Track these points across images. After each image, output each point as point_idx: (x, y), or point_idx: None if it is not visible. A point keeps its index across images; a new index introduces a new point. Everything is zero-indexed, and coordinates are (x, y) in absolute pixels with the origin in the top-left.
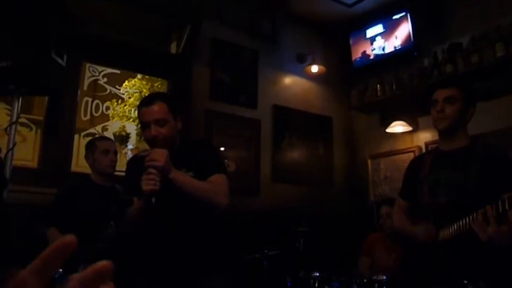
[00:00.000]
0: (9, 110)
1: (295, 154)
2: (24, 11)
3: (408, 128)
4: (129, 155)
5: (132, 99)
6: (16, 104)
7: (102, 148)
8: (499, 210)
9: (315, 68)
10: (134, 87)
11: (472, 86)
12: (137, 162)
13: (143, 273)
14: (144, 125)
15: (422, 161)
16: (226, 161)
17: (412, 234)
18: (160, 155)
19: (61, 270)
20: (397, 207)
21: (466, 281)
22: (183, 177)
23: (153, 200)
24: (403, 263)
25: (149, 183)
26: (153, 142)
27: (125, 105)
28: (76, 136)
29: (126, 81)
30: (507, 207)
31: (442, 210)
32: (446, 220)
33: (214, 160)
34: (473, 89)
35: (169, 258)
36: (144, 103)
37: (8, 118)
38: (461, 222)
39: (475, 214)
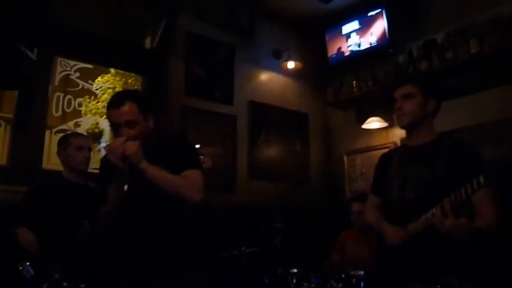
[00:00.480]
0: None
1: (271, 151)
2: None
3: (384, 124)
4: (103, 152)
5: (105, 95)
6: None
7: (76, 144)
8: (456, 202)
9: (291, 64)
10: (108, 83)
11: (432, 82)
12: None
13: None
14: (113, 125)
15: (391, 156)
16: (202, 157)
17: (382, 232)
18: (131, 145)
19: (27, 262)
20: (369, 203)
21: (437, 274)
22: (154, 170)
23: (125, 187)
24: (377, 257)
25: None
26: None
27: (98, 101)
28: (47, 132)
29: (99, 76)
30: (463, 198)
31: (411, 206)
32: (415, 215)
33: (188, 155)
34: (433, 84)
35: (137, 251)
36: (114, 104)
37: None
38: (424, 217)
39: (434, 208)
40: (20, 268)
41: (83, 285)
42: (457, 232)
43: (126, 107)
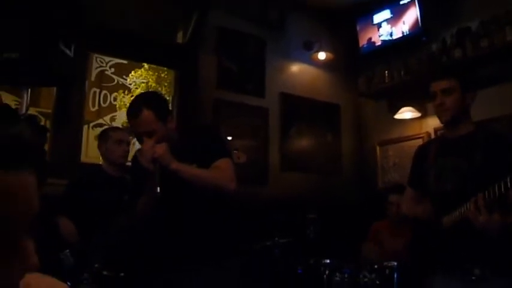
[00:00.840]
0: (18, 102)
1: (303, 142)
2: (32, 1)
3: (417, 114)
4: (137, 145)
5: (139, 89)
6: (25, 96)
7: (115, 138)
8: (490, 198)
9: (322, 55)
10: (141, 78)
11: (467, 73)
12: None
13: (149, 264)
14: (135, 134)
15: (427, 148)
16: (236, 151)
17: (415, 215)
18: (159, 148)
19: (68, 251)
20: (406, 195)
21: (472, 266)
22: (185, 168)
23: (158, 190)
24: (410, 248)
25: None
26: None
27: (132, 95)
28: (85, 127)
29: (133, 71)
30: (497, 194)
31: (448, 197)
32: (452, 207)
33: (216, 145)
34: (468, 76)
35: (174, 247)
36: (131, 114)
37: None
38: (461, 210)
39: (468, 203)
40: (62, 257)
41: (122, 274)
42: (490, 228)
43: (142, 117)
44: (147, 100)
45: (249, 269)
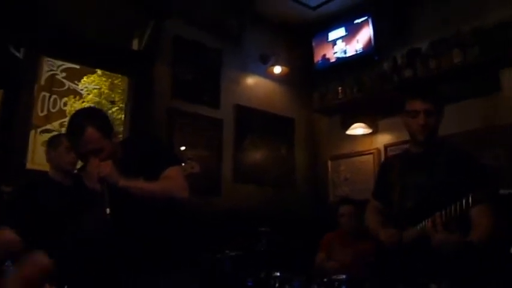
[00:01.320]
0: None
1: (257, 155)
2: None
3: (368, 130)
4: None
5: (90, 95)
6: None
7: (67, 145)
8: (447, 217)
9: (278, 69)
10: (93, 83)
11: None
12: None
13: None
14: (79, 155)
15: (392, 163)
16: (189, 161)
17: (376, 233)
18: (105, 166)
19: (9, 261)
20: (370, 207)
21: (429, 281)
22: (134, 184)
23: (107, 211)
24: (372, 261)
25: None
26: None
27: (83, 101)
28: (32, 132)
29: (85, 76)
30: (454, 214)
31: (409, 214)
32: (413, 223)
33: (162, 154)
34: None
35: (128, 262)
36: (73, 134)
37: None
38: (419, 227)
39: (425, 221)
40: (4, 269)
41: (65, 287)
42: (446, 246)
43: (87, 135)
44: (88, 116)
45: (200, 281)
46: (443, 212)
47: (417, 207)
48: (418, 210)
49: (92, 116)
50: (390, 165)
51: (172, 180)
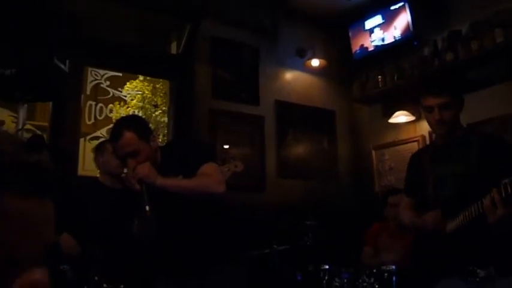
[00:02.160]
0: (14, 117)
1: (299, 149)
2: (25, 18)
3: (411, 118)
4: None
5: (134, 100)
6: (21, 111)
7: (112, 149)
8: (503, 194)
9: (315, 62)
10: (136, 89)
11: (459, 83)
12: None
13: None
14: (119, 158)
15: (421, 156)
16: (233, 160)
17: (420, 225)
18: (142, 167)
19: (67, 265)
20: (403, 204)
21: (476, 268)
22: (171, 182)
23: (147, 209)
24: (413, 251)
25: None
26: None
27: (128, 107)
28: (81, 140)
29: (128, 83)
30: (509, 191)
31: (447, 203)
32: (452, 212)
33: (198, 152)
34: (461, 84)
35: (174, 256)
36: (113, 138)
37: (14, 125)
38: (467, 212)
39: (482, 200)
40: (62, 271)
41: (121, 286)
42: (506, 221)
43: (124, 139)
44: (126, 122)
45: (248, 277)
46: (501, 188)
47: (454, 196)
48: (456, 199)
49: (130, 121)
50: (419, 158)
51: (208, 176)
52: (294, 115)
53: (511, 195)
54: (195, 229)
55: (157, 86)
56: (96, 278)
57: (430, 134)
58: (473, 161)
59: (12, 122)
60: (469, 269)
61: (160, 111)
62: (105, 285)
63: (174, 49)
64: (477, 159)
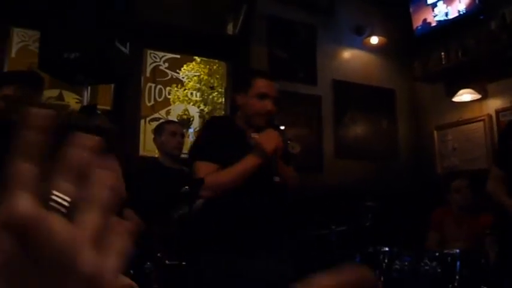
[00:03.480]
0: (78, 99)
1: (357, 129)
2: (86, 2)
3: (477, 96)
4: (192, 137)
5: (191, 82)
6: (85, 93)
7: (169, 130)
8: None
9: (374, 40)
10: (193, 71)
11: None
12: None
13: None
14: (261, 94)
15: None
16: (289, 142)
17: (504, 204)
18: (280, 140)
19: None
20: (492, 174)
21: None
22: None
23: (276, 179)
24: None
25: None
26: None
27: (185, 89)
28: (142, 121)
29: (185, 65)
30: None
31: None
32: None
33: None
34: None
35: (246, 236)
36: (269, 75)
37: (78, 107)
38: None
39: None
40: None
41: (183, 263)
42: None
43: (277, 85)
44: None
45: (306, 258)
46: None
47: None
48: None
49: None
50: (511, 129)
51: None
52: (352, 95)
53: None
54: (274, 211)
55: (214, 67)
56: (158, 254)
57: (496, 112)
58: None
59: (76, 103)
60: None
61: (216, 92)
62: (167, 261)
63: (230, 30)
64: None
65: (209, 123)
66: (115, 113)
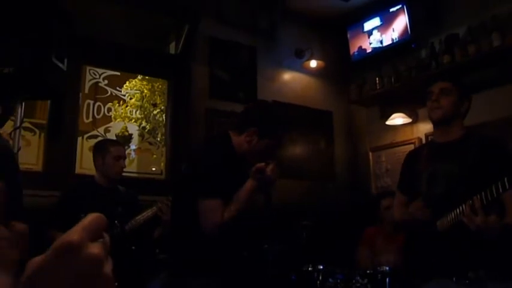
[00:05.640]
0: (12, 115)
1: (296, 149)
2: (24, 16)
3: (408, 120)
4: (132, 155)
5: (133, 99)
6: (19, 109)
7: (115, 154)
8: (486, 200)
9: (313, 63)
10: (135, 88)
11: (464, 81)
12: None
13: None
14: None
15: (418, 154)
16: None
17: (410, 218)
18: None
19: None
20: (396, 200)
21: (467, 270)
22: None
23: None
24: (404, 251)
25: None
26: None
27: (127, 106)
28: (79, 138)
29: (127, 82)
30: (493, 196)
31: (439, 201)
32: (443, 211)
33: None
34: (466, 84)
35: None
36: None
37: (12, 123)
38: (453, 213)
39: (463, 205)
40: None
41: (115, 284)
42: (486, 229)
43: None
44: None
45: (242, 276)
46: (481, 195)
47: (447, 194)
48: (448, 198)
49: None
50: (416, 155)
51: None
52: (291, 116)
53: (490, 202)
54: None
55: (156, 85)
56: None
57: (426, 136)
58: (469, 161)
59: (11, 119)
60: (459, 271)
61: (159, 110)
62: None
63: (172, 49)
64: (474, 160)
65: (213, 152)
66: (52, 128)
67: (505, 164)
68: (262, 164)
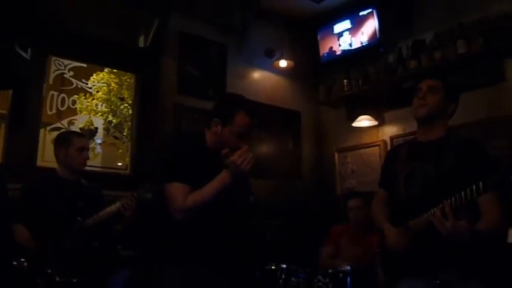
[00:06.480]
0: None
1: (264, 148)
2: None
3: (374, 123)
4: (98, 149)
5: (100, 92)
6: None
7: (78, 145)
8: (456, 204)
9: (283, 63)
10: (102, 81)
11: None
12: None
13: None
14: (243, 136)
15: (398, 152)
16: None
17: (380, 225)
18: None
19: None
20: (377, 197)
21: (437, 270)
22: None
23: (252, 199)
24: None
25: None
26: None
27: (93, 98)
28: (42, 130)
29: (94, 74)
30: (464, 201)
31: (415, 201)
32: (419, 211)
33: None
34: (455, 87)
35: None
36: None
37: None
38: (427, 214)
39: (435, 209)
40: (15, 263)
41: (74, 280)
42: (456, 234)
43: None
44: None
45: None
46: (452, 200)
47: (423, 195)
48: (424, 198)
49: None
50: (396, 153)
51: None
52: (260, 114)
53: (461, 206)
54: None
55: (124, 78)
56: (49, 271)
57: (391, 139)
58: (446, 163)
59: None
60: (430, 271)
61: (126, 104)
62: (57, 278)
63: (141, 42)
64: (452, 162)
65: (181, 141)
66: (13, 119)
67: (485, 166)
68: (226, 149)
